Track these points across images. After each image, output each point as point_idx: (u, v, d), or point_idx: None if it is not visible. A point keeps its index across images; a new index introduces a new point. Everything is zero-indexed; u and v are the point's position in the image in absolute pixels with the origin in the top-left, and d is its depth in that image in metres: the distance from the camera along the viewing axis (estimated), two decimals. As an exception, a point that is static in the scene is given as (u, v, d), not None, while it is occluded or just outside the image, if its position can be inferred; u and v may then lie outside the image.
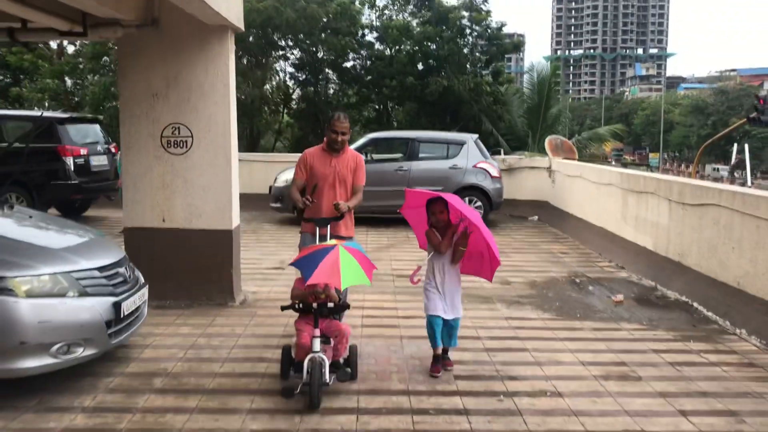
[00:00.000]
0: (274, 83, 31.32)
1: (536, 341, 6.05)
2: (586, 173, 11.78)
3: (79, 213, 13.51)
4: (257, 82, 28.14)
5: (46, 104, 25.64)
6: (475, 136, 13.34)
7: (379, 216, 12.95)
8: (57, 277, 4.66)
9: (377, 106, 31.22)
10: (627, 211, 9.54)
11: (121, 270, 5.23)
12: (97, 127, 13.72)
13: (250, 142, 30.35)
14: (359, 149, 13.05)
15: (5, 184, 5.41)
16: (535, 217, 14.04)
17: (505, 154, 17.46)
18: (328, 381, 4.49)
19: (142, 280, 5.58)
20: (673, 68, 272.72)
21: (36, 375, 4.54)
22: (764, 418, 4.49)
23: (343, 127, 5.61)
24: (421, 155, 13.02)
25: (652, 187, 8.69)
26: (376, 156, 13.57)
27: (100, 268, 5.00)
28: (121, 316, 4.96)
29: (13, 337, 4.36)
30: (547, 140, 14.91)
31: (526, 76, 29.57)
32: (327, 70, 30.87)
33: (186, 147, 6.98)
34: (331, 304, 4.72)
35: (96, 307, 4.77)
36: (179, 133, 6.97)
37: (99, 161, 12.85)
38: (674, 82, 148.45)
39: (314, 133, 30.39)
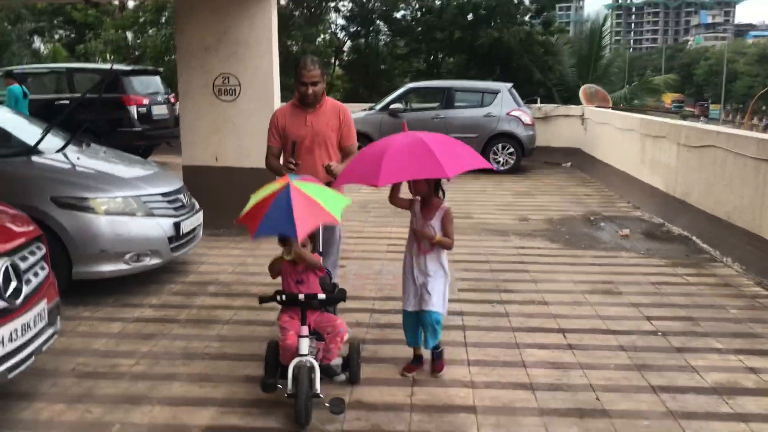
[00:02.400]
0: (326, 36, 32.05)
1: (538, 265, 6.87)
2: (613, 120, 12.33)
3: (144, 158, 14.73)
4: (309, 36, 28.92)
5: (109, 57, 27.08)
6: (510, 85, 13.92)
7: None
8: (128, 199, 5.70)
9: (427, 58, 31.68)
10: (644, 155, 10.14)
11: (181, 196, 6.24)
12: (158, 78, 14.82)
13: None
14: (397, 99, 13.86)
15: (78, 131, 6.41)
16: (568, 164, 14.64)
17: (556, 104, 17.88)
18: (318, 391, 3.62)
19: (197, 206, 6.59)
20: (741, 15, 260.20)
21: (113, 278, 5.62)
22: (716, 322, 5.25)
23: (312, 76, 4.46)
24: (456, 104, 13.75)
25: (664, 132, 9.27)
26: (414, 105, 14.36)
27: (163, 194, 6.02)
28: (180, 233, 5.99)
29: (95, 246, 5.42)
30: (581, 89, 15.38)
31: (579, 26, 29.44)
32: (378, 21, 31.41)
33: (235, 95, 7.94)
34: (322, 296, 3.76)
35: (160, 225, 5.80)
36: (228, 83, 7.92)
37: (159, 110, 13.98)
38: (743, 30, 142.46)
39: (364, 85, 31.16)
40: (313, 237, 4.03)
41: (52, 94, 13.53)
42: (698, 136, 8.14)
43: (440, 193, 4.15)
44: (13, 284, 3.45)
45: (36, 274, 3.75)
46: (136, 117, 13.36)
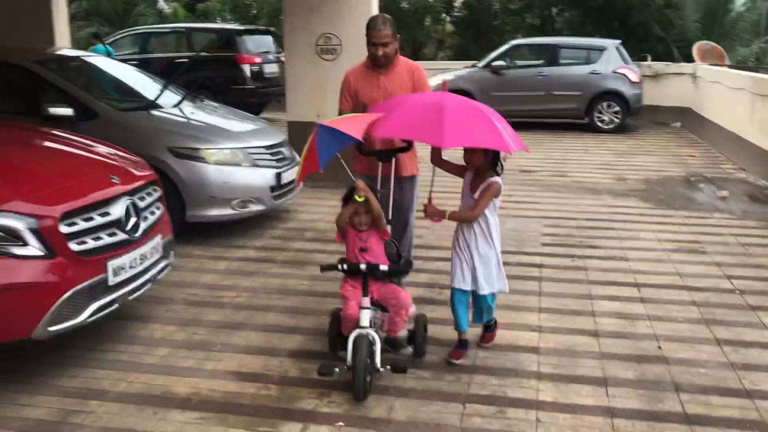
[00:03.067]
0: (436, -9, 31.89)
1: (626, 223, 6.93)
2: (724, 78, 11.83)
3: (255, 115, 15.52)
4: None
5: (227, 16, 28.21)
6: (617, 42, 13.57)
7: (518, 120, 13.78)
8: (235, 151, 6.24)
9: (541, 14, 30.93)
10: (753, 114, 9.76)
11: (283, 150, 6.75)
12: (270, 38, 15.46)
13: (412, 51, 31.51)
14: (500, 56, 13.84)
15: (194, 87, 7.04)
16: (678, 124, 14.18)
17: (670, 62, 17.22)
18: (378, 366, 3.51)
19: (298, 158, 7.08)
20: None
21: (221, 222, 6.22)
22: (801, 285, 5.22)
23: (383, 37, 4.26)
24: (561, 61, 13.58)
25: (775, 90, 8.91)
26: (518, 62, 14.29)
27: (267, 147, 6.54)
28: (282, 183, 6.50)
29: (205, 192, 6.01)
30: (695, 45, 14.74)
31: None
32: (491, -25, 30.88)
33: (336, 54, 8.33)
34: (384, 267, 3.62)
35: (263, 175, 6.32)
36: (330, 42, 8.32)
37: (271, 69, 14.62)
38: None
39: (475, 41, 30.88)
40: (382, 205, 3.82)
41: (172, 52, 14.44)
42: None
43: (498, 167, 3.85)
44: (133, 220, 4.02)
45: (152, 213, 4.32)
46: (249, 75, 14.05)
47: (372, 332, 3.51)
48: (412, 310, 3.89)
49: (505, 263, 5.45)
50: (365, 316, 3.52)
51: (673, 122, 14.25)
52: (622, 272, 5.48)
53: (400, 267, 3.82)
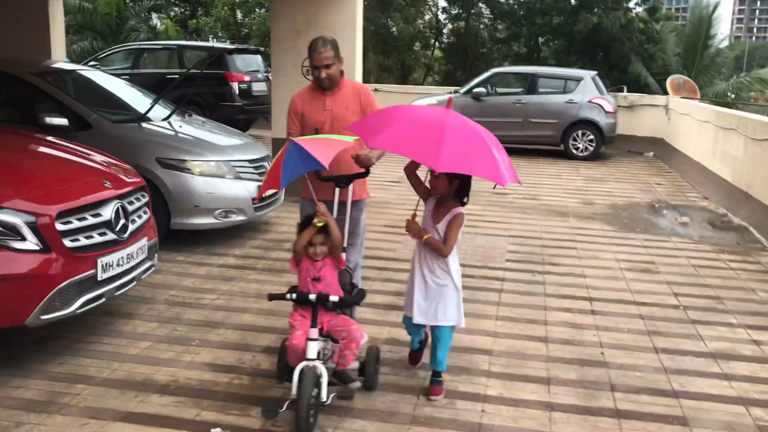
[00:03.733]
0: (426, 18, 32.59)
1: (587, 244, 7.34)
2: (693, 111, 12.39)
3: (242, 131, 15.91)
4: (410, 17, 29.57)
5: (219, 34, 28.69)
6: (593, 72, 14.13)
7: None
8: (220, 163, 6.60)
9: (527, 43, 31.65)
10: (717, 146, 10.28)
11: (265, 164, 7.10)
12: (259, 57, 15.90)
13: (400, 76, 32.11)
14: (481, 83, 14.35)
15: (183, 102, 7.46)
16: (651, 153, 14.71)
17: (658, 93, 17.79)
18: (324, 399, 3.35)
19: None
20: None
21: (204, 230, 6.57)
22: (741, 302, 5.63)
23: (324, 59, 4.11)
24: (540, 89, 14.11)
25: (734, 124, 9.42)
26: (499, 89, 14.81)
27: (250, 161, 6.91)
28: (263, 196, 6.86)
29: (190, 201, 6.36)
30: (669, 79, 15.34)
31: (696, 11, 28.40)
32: (479, 4, 31.61)
33: (320, 75, 8.75)
34: (335, 298, 3.49)
35: (246, 187, 6.68)
36: (315, 63, 8.74)
37: (259, 87, 15.03)
38: None
39: (463, 68, 31.56)
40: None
41: (164, 68, 14.83)
42: (763, 129, 8.31)
43: (464, 198, 3.81)
44: (122, 222, 4.37)
45: (140, 216, 4.67)
46: (237, 93, 14.45)
47: (319, 365, 3.36)
48: (365, 341, 3.66)
49: (469, 276, 5.88)
50: (312, 349, 3.38)
51: (647, 152, 14.78)
52: (577, 287, 5.88)
53: (351, 298, 3.67)
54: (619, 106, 14.48)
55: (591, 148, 13.61)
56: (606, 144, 13.84)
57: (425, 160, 3.37)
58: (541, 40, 31.26)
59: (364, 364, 3.84)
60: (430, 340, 4.02)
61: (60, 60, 9.69)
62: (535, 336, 4.79)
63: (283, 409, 3.34)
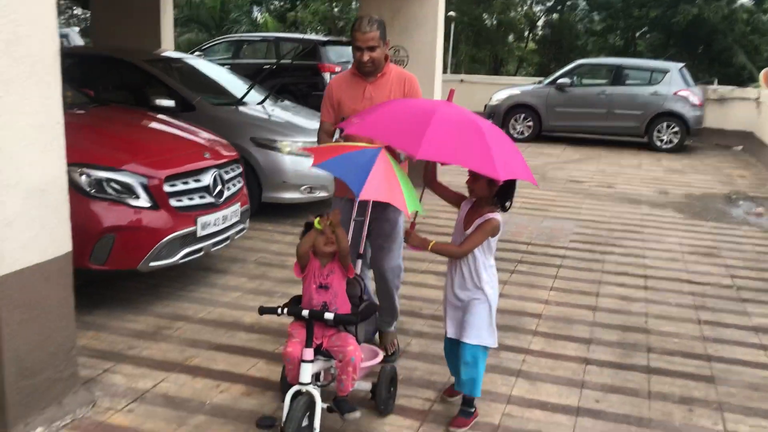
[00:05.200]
0: (520, 9, 32.56)
1: (654, 229, 7.57)
2: (782, 104, 12.17)
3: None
4: (500, 8, 29.66)
5: (318, 27, 29.76)
6: (681, 64, 14.03)
7: (579, 136, 14.44)
8: (307, 144, 7.26)
9: (624, 35, 31.09)
10: (802, 139, 10.15)
11: (347, 146, 7.74)
12: (350, 49, 16.60)
13: (492, 67, 32.26)
14: (566, 74, 14.50)
15: (275, 88, 8.23)
16: (740, 147, 14.47)
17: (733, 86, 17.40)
18: (317, 429, 2.99)
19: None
20: None
21: (291, 204, 7.25)
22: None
23: (369, 39, 3.73)
24: (625, 81, 14.16)
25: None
26: (585, 81, 14.93)
27: (335, 142, 7.54)
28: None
29: (279, 177, 7.05)
30: (763, 71, 14.96)
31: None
32: (575, -5, 31.29)
33: (403, 65, 9.27)
34: (329, 315, 3.03)
35: (329, 166, 7.31)
36: (399, 54, 9.28)
37: (349, 77, 15.75)
38: None
39: (557, 60, 31.37)
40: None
41: (261, 59, 15.76)
42: None
43: (507, 203, 3.31)
44: (218, 188, 5.06)
45: (234, 185, 5.35)
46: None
47: (313, 390, 2.98)
48: (372, 362, 3.42)
49: (530, 252, 6.30)
50: (306, 371, 2.98)
51: (735, 146, 14.55)
52: (635, 266, 6.19)
53: (346, 317, 3.10)
54: (708, 99, 14.31)
55: (675, 141, 13.54)
56: (691, 137, 13.74)
57: (405, 147, 3.11)
58: (637, 33, 30.67)
59: (376, 386, 3.40)
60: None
61: (169, 49, 10.64)
62: (585, 305, 5.17)
63: (274, 426, 3.01)
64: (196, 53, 15.25)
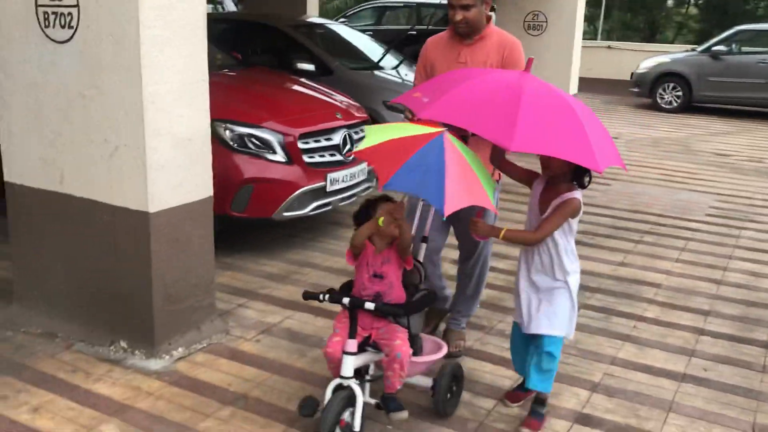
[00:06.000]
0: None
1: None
2: None
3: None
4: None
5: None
6: None
7: (733, 107, 13.59)
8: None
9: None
10: None
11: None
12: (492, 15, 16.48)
13: (646, 34, 30.64)
14: (722, 41, 13.62)
15: (410, 54, 8.58)
16: None
17: None
18: (357, 429, 2.80)
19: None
20: None
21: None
22: None
23: None
24: (790, 49, 13.13)
25: None
26: (744, 49, 13.95)
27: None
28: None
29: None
30: None
31: None
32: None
33: (541, 30, 9.19)
34: (370, 305, 2.79)
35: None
36: (537, 19, 9.20)
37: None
38: None
39: (720, 26, 29.32)
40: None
41: (402, 25, 16.00)
42: None
43: (584, 180, 2.93)
44: (348, 146, 5.37)
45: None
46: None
47: (355, 386, 2.77)
48: (438, 356, 3.14)
49: (660, 224, 6.22)
50: (348, 364, 2.77)
51: None
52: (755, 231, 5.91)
53: (389, 307, 2.81)
54: None
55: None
56: None
57: (495, 137, 2.62)
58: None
59: (435, 384, 3.10)
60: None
61: (313, 16, 11.12)
62: (709, 278, 5.03)
63: (316, 415, 2.82)
64: (341, 19, 15.75)
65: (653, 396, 3.42)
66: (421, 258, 3.17)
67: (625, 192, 7.46)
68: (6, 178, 3.88)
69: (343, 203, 5.42)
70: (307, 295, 2.89)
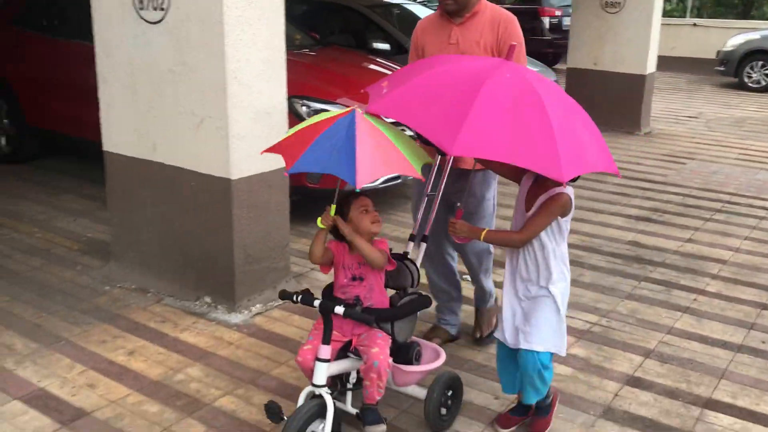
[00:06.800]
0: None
1: None
2: None
3: (551, 65, 16.53)
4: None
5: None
6: None
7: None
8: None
9: None
10: None
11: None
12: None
13: (741, 10, 29.32)
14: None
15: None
16: None
17: None
18: None
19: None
20: None
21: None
22: None
23: None
24: None
25: None
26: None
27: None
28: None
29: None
30: None
31: None
32: None
33: (619, 8, 9.07)
34: (339, 309, 2.54)
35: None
36: (615, -4, 9.09)
37: (569, 22, 15.45)
38: None
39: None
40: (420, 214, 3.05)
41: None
42: None
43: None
44: (418, 122, 5.58)
45: (433, 121, 5.85)
46: (547, 27, 15.11)
47: (326, 395, 2.54)
48: (433, 366, 2.89)
49: (733, 203, 6.21)
50: (320, 372, 2.54)
51: None
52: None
53: (357, 314, 2.55)
54: None
55: None
56: None
57: (438, 139, 2.32)
58: None
59: (427, 398, 2.82)
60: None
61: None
62: (777, 256, 5.02)
63: (282, 421, 2.58)
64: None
65: (707, 364, 3.51)
66: (419, 259, 2.89)
67: (700, 171, 7.38)
68: (104, 148, 4.28)
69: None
70: (283, 295, 2.65)
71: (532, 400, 2.81)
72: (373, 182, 2.39)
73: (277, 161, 3.89)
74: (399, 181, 5.50)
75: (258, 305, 3.94)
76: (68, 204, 5.77)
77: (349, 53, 6.88)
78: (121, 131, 4.13)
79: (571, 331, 3.76)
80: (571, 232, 5.27)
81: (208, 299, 3.96)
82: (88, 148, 5.44)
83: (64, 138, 6.53)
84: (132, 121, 4.04)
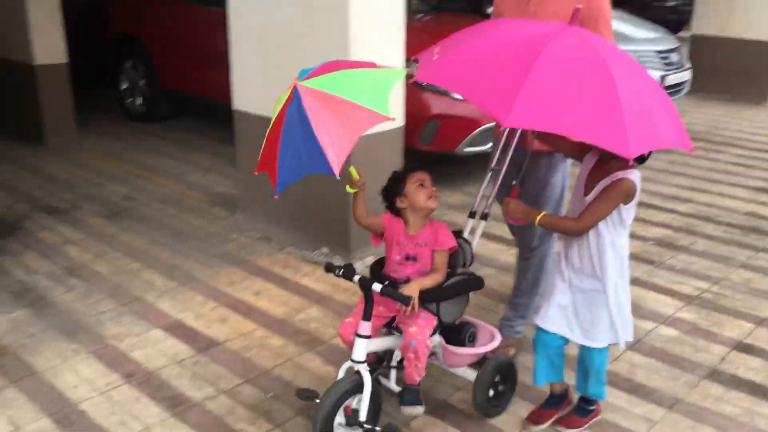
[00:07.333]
0: None
1: None
2: None
3: (675, 32, 15.80)
4: None
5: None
6: None
7: None
8: (629, 51, 7.36)
9: None
10: None
11: (672, 55, 7.63)
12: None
13: None
14: None
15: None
16: None
17: None
18: (362, 419, 2.45)
19: (687, 65, 7.88)
20: None
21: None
22: None
23: None
24: None
25: None
26: None
27: (658, 51, 7.51)
28: (665, 85, 7.44)
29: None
30: None
31: None
32: None
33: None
34: (377, 287, 2.47)
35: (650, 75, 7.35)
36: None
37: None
38: None
39: None
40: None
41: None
42: None
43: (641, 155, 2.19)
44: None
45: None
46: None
47: (364, 371, 2.48)
48: (487, 348, 2.75)
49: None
50: (360, 348, 2.49)
51: None
52: None
53: (395, 293, 2.45)
54: None
55: None
56: None
57: (492, 110, 2.10)
58: None
59: (476, 381, 2.74)
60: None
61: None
62: None
63: (313, 399, 2.57)
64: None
65: (824, 335, 3.45)
66: (476, 238, 2.73)
67: None
68: (234, 107, 4.60)
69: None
70: (328, 268, 2.61)
71: (597, 390, 2.64)
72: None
73: (395, 121, 4.12)
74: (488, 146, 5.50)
75: (371, 257, 4.16)
76: (199, 160, 6.23)
77: (465, 18, 6.93)
78: (250, 91, 4.43)
79: (679, 296, 3.80)
80: (687, 201, 5.29)
81: (325, 249, 4.23)
82: (216, 110, 5.84)
83: (193, 100, 6.99)
84: (261, 81, 4.33)
